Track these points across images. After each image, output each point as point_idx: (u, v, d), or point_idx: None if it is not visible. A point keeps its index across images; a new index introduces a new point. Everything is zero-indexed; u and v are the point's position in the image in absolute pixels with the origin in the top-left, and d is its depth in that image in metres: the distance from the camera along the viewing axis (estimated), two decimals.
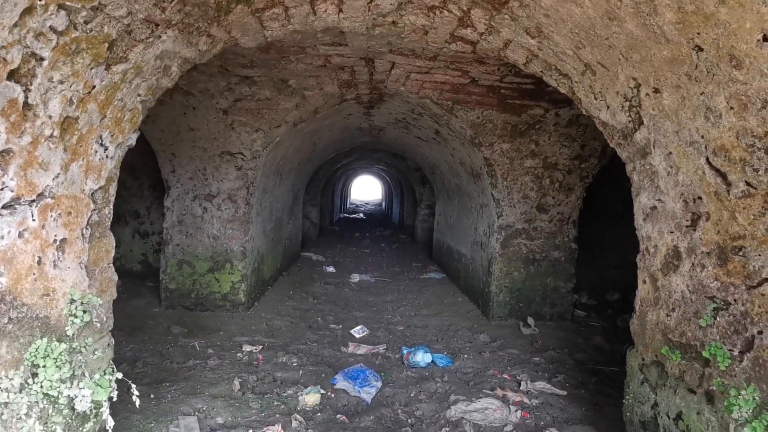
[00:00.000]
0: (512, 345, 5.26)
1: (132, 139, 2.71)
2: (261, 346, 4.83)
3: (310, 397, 3.66)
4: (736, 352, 2.10)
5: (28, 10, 1.62)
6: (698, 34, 1.91)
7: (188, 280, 5.84)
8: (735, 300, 2.11)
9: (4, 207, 1.79)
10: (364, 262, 10.83)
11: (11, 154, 1.78)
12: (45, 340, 2.01)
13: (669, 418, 2.51)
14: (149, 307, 5.90)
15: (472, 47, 3.52)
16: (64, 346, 2.08)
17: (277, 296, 6.89)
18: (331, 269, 9.51)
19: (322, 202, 15.68)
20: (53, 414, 2.07)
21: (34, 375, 1.96)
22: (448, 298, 7.32)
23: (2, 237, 1.80)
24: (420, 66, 4.60)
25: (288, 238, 8.92)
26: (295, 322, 5.84)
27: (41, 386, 1.94)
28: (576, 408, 3.75)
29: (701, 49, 1.95)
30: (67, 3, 1.73)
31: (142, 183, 7.47)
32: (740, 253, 2.07)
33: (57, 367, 1.97)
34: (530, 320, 5.75)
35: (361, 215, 25.04)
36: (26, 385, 1.92)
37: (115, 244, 2.73)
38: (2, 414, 1.82)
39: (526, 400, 3.81)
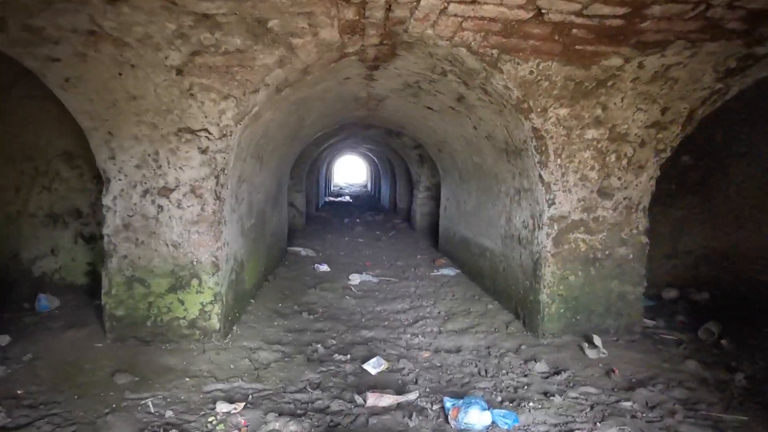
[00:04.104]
0: (582, 379, 3.93)
1: None
2: (243, 403, 3.40)
3: None
4: None
5: None
6: None
7: (141, 303, 4.34)
8: None
9: None
10: (361, 256, 9.40)
11: None
12: None
13: None
14: (90, 340, 4.40)
15: None
16: None
17: (262, 313, 5.44)
18: (324, 268, 8.07)
19: (307, 187, 14.15)
20: None
21: None
22: (475, 305, 5.95)
23: None
24: None
25: (273, 234, 7.44)
26: (287, 353, 4.40)
27: None
28: None
29: None
30: None
31: (83, 173, 5.87)
32: None
33: None
34: (597, 339, 4.41)
35: (348, 198, 23.57)
36: None
37: None
38: None
39: None
